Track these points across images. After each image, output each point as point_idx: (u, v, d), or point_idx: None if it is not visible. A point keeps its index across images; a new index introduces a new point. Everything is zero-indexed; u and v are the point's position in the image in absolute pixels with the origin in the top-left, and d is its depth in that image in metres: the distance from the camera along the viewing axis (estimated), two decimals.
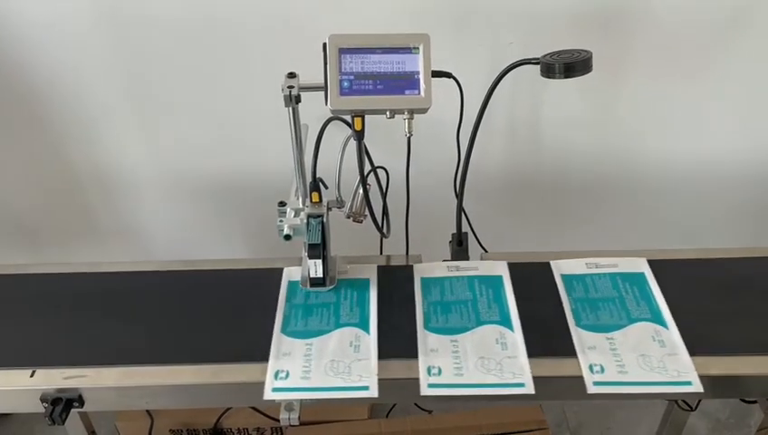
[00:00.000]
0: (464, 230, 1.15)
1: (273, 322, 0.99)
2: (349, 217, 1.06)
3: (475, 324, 0.98)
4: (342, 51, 0.89)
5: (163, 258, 1.60)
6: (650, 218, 1.55)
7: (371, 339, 0.96)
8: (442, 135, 1.11)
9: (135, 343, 0.97)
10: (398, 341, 0.96)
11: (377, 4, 1.20)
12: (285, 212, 1.04)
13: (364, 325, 0.98)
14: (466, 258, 1.13)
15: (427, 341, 0.95)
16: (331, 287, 1.04)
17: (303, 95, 0.90)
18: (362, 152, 0.95)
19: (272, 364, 0.92)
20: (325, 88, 0.90)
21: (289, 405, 0.89)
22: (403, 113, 0.91)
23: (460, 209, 1.11)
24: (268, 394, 0.89)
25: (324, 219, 1.00)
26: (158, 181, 1.45)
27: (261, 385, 0.90)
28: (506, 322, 0.98)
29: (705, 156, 1.45)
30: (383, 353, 0.94)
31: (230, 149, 1.40)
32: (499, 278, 1.06)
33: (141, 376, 0.92)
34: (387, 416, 1.65)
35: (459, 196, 1.09)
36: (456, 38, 1.25)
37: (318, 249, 0.97)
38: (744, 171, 1.46)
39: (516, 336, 0.96)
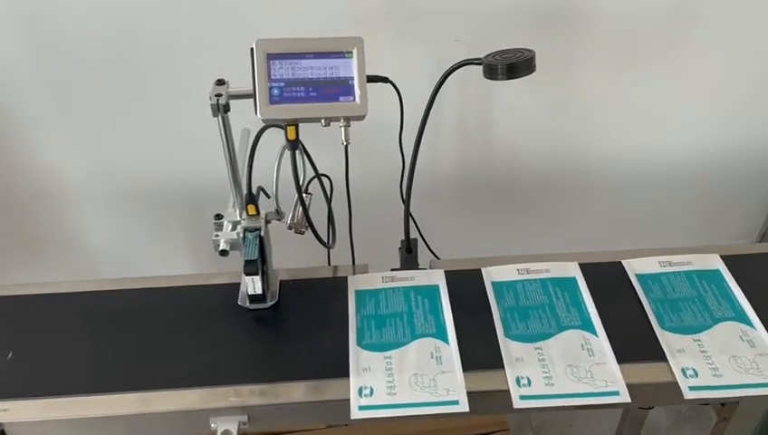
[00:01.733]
0: (413, 236, 1.12)
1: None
2: (291, 229, 1.02)
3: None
4: (271, 56, 0.85)
5: (109, 273, 1.54)
6: (607, 216, 1.54)
7: (452, 349, 0.93)
8: (390, 139, 1.07)
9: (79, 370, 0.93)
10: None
11: (317, 6, 1.15)
12: (222, 225, 0.99)
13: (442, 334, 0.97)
14: (416, 266, 1.10)
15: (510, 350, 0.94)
16: (272, 302, 1.00)
17: None
18: (296, 163, 0.90)
19: (354, 381, 0.90)
20: (254, 96, 0.85)
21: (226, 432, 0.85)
22: (339, 121, 0.87)
23: (407, 215, 1.08)
24: (355, 413, 0.86)
25: (262, 233, 0.96)
26: (97, 193, 1.39)
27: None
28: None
29: (659, 152, 1.44)
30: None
31: (172, 158, 1.35)
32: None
33: (73, 407, 0.88)
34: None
35: (406, 201, 1.06)
36: (400, 39, 1.21)
37: (255, 265, 0.94)
38: (697, 168, 1.45)
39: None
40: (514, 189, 1.46)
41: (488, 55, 0.94)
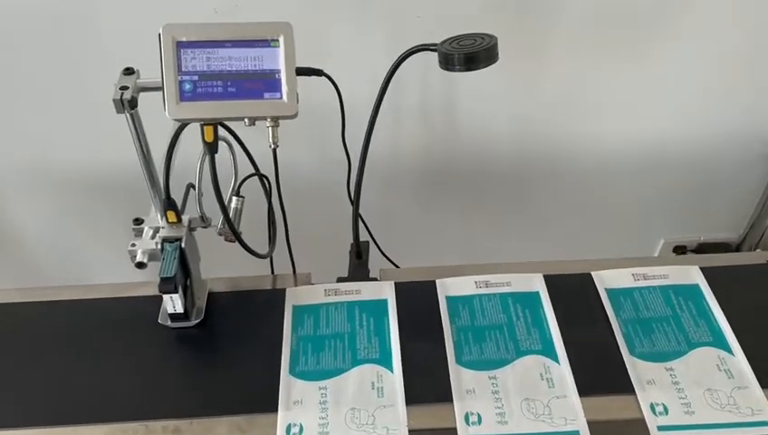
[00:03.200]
0: (364, 239, 1.01)
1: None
2: (221, 235, 0.90)
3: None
4: (181, 44, 0.73)
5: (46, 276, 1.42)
6: (584, 206, 1.43)
7: (396, 379, 0.83)
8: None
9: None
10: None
11: None
12: (142, 232, 0.87)
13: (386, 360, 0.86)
14: (365, 274, 0.99)
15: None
16: (197, 321, 0.89)
17: None
18: (216, 168, 0.78)
19: (282, 417, 0.80)
20: (163, 92, 0.72)
21: None
22: (265, 120, 0.75)
23: (356, 217, 0.96)
24: None
25: (183, 244, 0.84)
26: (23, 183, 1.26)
27: None
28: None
29: (640, 139, 1.32)
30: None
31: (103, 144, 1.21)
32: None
33: None
34: None
35: (354, 202, 0.94)
36: (356, 15, 1.07)
37: (172, 283, 0.82)
38: (679, 155, 1.34)
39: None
40: (482, 180, 1.34)
41: (445, 42, 0.81)
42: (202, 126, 0.76)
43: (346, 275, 1.00)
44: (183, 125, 0.79)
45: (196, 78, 0.73)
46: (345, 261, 1.02)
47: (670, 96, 1.24)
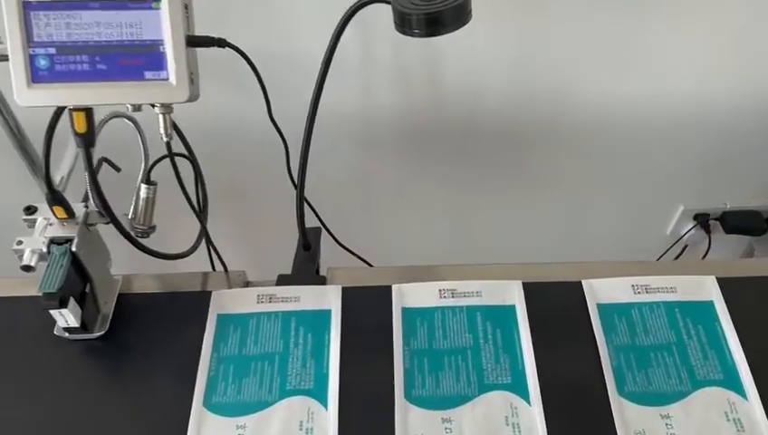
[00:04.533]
0: (314, 225, 0.85)
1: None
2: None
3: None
4: (30, 5, 0.54)
5: None
6: (584, 177, 1.23)
7: (330, 418, 0.69)
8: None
9: None
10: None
11: None
12: (35, 223, 0.72)
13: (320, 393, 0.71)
14: (312, 269, 0.83)
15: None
16: (101, 333, 0.74)
17: None
18: (93, 165, 0.61)
19: None
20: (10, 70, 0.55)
21: None
22: (153, 106, 0.57)
23: (301, 200, 0.79)
24: None
25: (75, 246, 0.68)
26: None
27: None
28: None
29: (655, 99, 1.10)
30: None
31: None
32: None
33: None
34: None
35: (299, 185, 0.77)
36: None
37: (54, 299, 0.66)
38: (699, 119, 1.13)
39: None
40: (471, 144, 1.15)
41: None
42: (70, 111, 0.58)
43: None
44: (58, 111, 0.62)
45: (52, 51, 0.55)
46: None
47: (697, 49, 1.02)
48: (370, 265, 0.96)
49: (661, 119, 1.13)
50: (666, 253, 1.36)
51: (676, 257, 1.37)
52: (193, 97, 0.57)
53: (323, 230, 0.89)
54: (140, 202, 0.75)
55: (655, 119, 1.13)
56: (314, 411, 0.69)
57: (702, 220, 1.33)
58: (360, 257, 0.97)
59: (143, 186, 0.74)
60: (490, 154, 1.18)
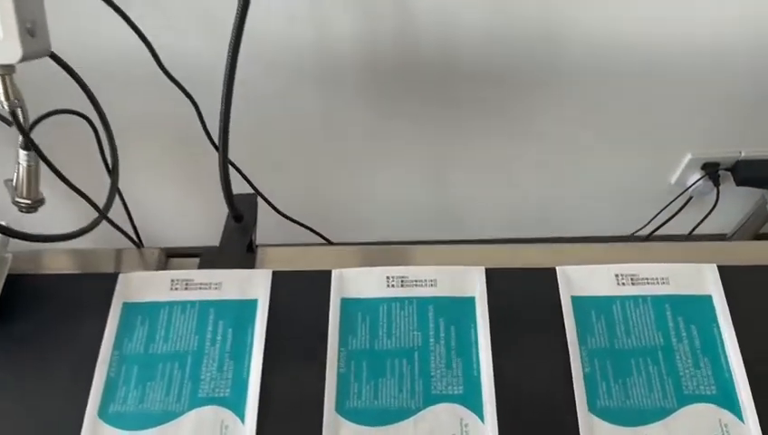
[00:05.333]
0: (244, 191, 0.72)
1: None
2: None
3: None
4: None
5: None
6: (583, 112, 1.08)
7: (247, 431, 0.59)
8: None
9: None
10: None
11: None
12: None
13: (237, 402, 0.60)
14: (243, 247, 0.71)
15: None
16: None
17: None
18: None
19: None
20: None
21: None
22: None
23: (225, 163, 0.66)
24: None
25: None
26: None
27: None
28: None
29: (669, 29, 0.94)
30: None
31: None
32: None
33: None
34: None
35: (221, 147, 0.64)
36: None
37: None
38: (722, 56, 0.96)
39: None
40: (442, 88, 0.99)
41: None
42: None
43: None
44: None
45: None
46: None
47: None
48: (328, 241, 0.84)
49: (669, 55, 0.97)
50: (668, 206, 1.23)
51: (679, 210, 1.23)
52: (33, 53, 0.43)
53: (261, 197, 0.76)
54: (21, 172, 0.62)
55: (661, 55, 0.97)
56: (229, 425, 0.59)
57: (711, 171, 1.19)
58: (311, 229, 0.84)
59: (21, 153, 0.61)
60: (470, 98, 1.03)
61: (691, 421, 0.58)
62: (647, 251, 0.69)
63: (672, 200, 1.22)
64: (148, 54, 0.64)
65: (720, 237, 1.39)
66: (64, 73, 0.61)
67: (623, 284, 0.65)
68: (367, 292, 0.65)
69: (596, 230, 1.32)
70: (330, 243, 0.83)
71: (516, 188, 1.20)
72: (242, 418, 0.59)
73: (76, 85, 0.62)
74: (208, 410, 0.60)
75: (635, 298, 0.64)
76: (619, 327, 0.63)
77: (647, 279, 0.65)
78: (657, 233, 1.26)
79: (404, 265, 0.66)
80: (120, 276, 0.66)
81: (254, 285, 0.66)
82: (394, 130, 1.06)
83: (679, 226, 1.26)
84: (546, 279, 0.65)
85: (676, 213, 1.24)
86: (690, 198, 1.24)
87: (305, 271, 0.67)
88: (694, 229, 1.24)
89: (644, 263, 0.66)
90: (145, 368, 0.62)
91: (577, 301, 0.64)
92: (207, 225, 0.76)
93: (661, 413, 0.59)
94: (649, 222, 1.25)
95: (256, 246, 0.71)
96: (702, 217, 1.21)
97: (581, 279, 0.65)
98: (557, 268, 0.66)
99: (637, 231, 1.28)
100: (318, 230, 0.89)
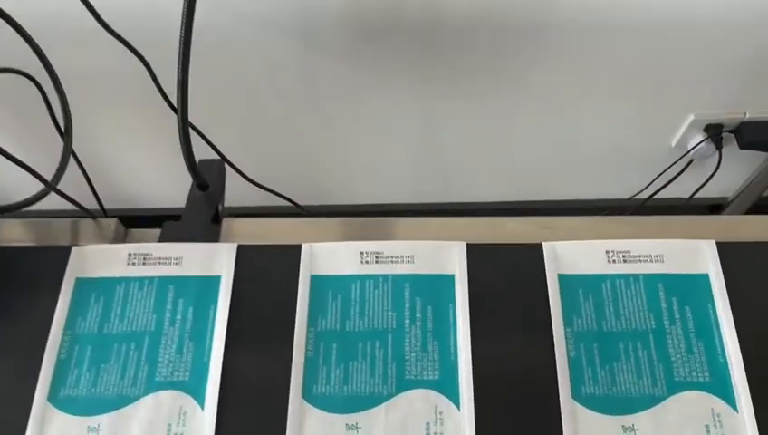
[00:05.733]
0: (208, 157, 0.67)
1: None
2: None
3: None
4: None
5: None
6: (580, 69, 1.02)
7: (206, 419, 0.54)
8: None
9: None
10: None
11: None
12: None
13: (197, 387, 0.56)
14: (211, 216, 0.66)
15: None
16: None
17: None
18: None
19: None
20: None
21: None
22: None
23: (185, 129, 0.60)
24: None
25: None
26: None
27: None
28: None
29: None
30: None
31: None
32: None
33: None
34: None
35: (179, 108, 0.58)
36: None
37: None
38: (725, 12, 0.90)
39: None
40: (431, 44, 0.93)
41: None
42: None
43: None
44: None
45: None
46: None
47: None
48: (300, 207, 0.79)
49: (672, 8, 0.90)
50: (667, 169, 1.18)
51: (679, 174, 1.18)
52: None
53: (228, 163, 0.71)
54: None
55: (663, 8, 0.90)
56: (187, 411, 0.55)
57: (714, 133, 1.13)
58: (283, 197, 0.79)
59: None
60: (459, 54, 0.96)
61: (681, 410, 0.54)
62: (640, 225, 0.64)
63: (672, 164, 1.17)
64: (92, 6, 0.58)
65: (720, 202, 1.35)
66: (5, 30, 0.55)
67: (614, 261, 0.61)
68: (339, 268, 0.61)
69: (591, 194, 1.27)
70: (301, 209, 0.78)
71: (507, 150, 1.15)
72: (201, 403, 0.55)
73: (18, 44, 0.56)
74: (166, 395, 0.56)
75: (626, 277, 0.60)
76: (607, 308, 0.59)
77: (639, 256, 0.61)
78: (656, 196, 1.21)
79: (379, 240, 0.62)
80: (74, 250, 0.62)
81: (217, 261, 0.61)
82: (378, 90, 0.99)
83: (678, 190, 1.21)
84: (531, 256, 0.61)
85: (676, 177, 1.19)
86: (691, 161, 1.19)
87: (273, 245, 0.62)
88: (694, 194, 1.19)
89: (637, 239, 0.61)
90: (99, 349, 0.58)
91: (564, 279, 0.60)
92: (175, 188, 0.71)
93: (650, 401, 0.55)
94: (648, 186, 1.20)
95: (222, 218, 0.66)
96: (703, 182, 1.16)
97: (569, 256, 0.61)
98: (543, 244, 0.61)
99: (635, 195, 1.23)
100: (294, 199, 0.84)
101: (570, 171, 1.23)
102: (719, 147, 1.13)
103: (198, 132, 0.66)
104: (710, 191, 1.23)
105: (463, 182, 1.24)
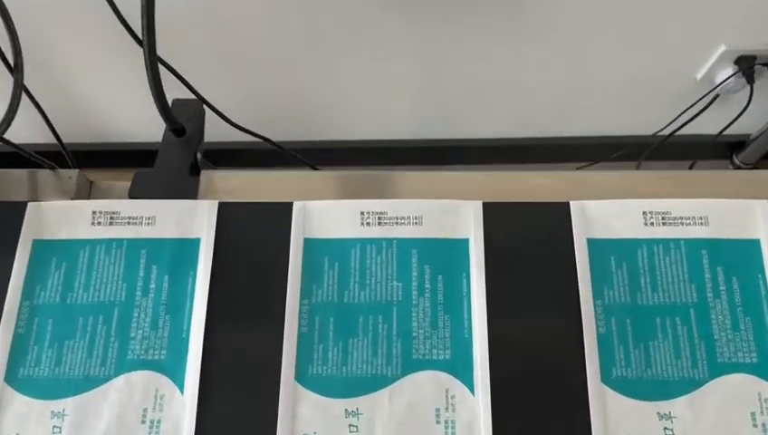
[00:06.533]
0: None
1: None
2: None
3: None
4: None
5: None
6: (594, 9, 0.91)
7: (187, 403, 0.48)
8: None
9: None
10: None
11: None
12: None
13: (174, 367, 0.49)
14: (186, 165, 0.58)
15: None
16: None
17: None
18: None
19: None
20: None
21: None
22: None
23: (153, 64, 0.51)
24: None
25: None
26: None
27: None
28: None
29: None
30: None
31: None
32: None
33: None
34: None
35: (145, 41, 0.49)
36: None
37: None
38: None
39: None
40: None
41: None
42: None
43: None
44: None
45: None
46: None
47: None
48: (278, 148, 0.69)
49: None
50: (692, 106, 1.08)
51: (704, 109, 1.09)
52: None
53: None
54: None
55: None
56: (165, 395, 0.49)
57: (746, 65, 1.03)
58: (271, 142, 0.69)
59: None
60: None
61: (723, 395, 0.48)
62: (684, 181, 0.56)
63: (698, 100, 1.07)
64: None
65: (743, 139, 1.26)
66: None
67: (652, 223, 0.53)
68: (336, 231, 0.53)
69: (610, 129, 1.18)
70: (280, 149, 0.69)
71: (522, 84, 1.05)
72: (180, 386, 0.49)
73: None
74: (140, 376, 0.49)
75: (665, 242, 0.52)
76: (643, 278, 0.51)
77: (681, 218, 0.53)
78: (678, 133, 1.12)
79: (383, 198, 0.53)
80: (29, 207, 0.53)
81: (196, 221, 0.53)
82: (381, 19, 0.89)
83: (698, 127, 1.12)
84: (557, 216, 0.53)
85: (700, 113, 1.10)
86: (716, 96, 1.09)
87: (260, 203, 0.54)
88: (723, 131, 1.10)
89: (679, 199, 0.53)
90: (62, 323, 0.50)
91: (594, 244, 0.52)
92: (152, 126, 0.62)
93: (689, 385, 0.48)
94: (671, 122, 1.11)
95: (202, 169, 0.58)
96: (732, 119, 1.07)
97: (601, 217, 0.53)
98: (571, 203, 0.53)
99: (658, 132, 1.14)
100: (284, 138, 0.75)
101: (586, 106, 1.14)
102: (751, 81, 1.03)
103: (169, 68, 0.56)
104: (732, 128, 1.14)
105: (468, 117, 1.15)
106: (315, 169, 0.72)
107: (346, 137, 1.14)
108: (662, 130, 1.12)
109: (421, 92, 1.06)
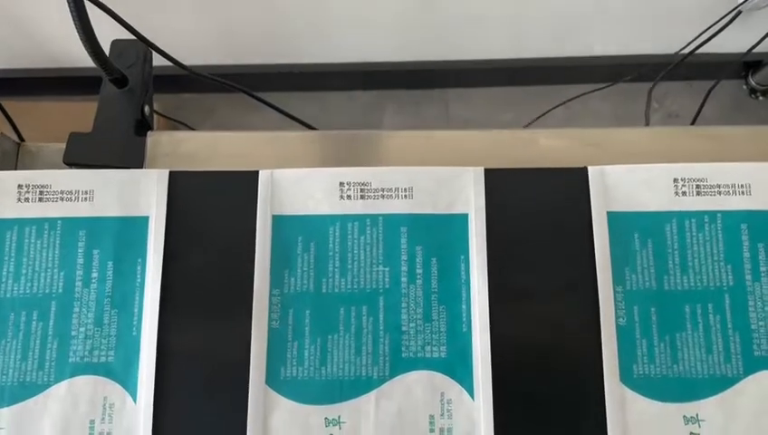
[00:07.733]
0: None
1: None
2: None
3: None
4: None
5: None
6: None
7: (140, 413, 0.41)
8: None
9: None
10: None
11: None
12: None
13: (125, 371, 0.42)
14: (131, 124, 0.49)
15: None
16: None
17: None
18: None
19: None
20: None
21: None
22: None
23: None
24: None
25: None
26: None
27: None
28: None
29: None
30: None
31: None
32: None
33: None
34: None
35: None
36: None
37: None
38: None
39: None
40: None
41: None
42: None
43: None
44: None
45: None
46: None
47: None
48: (251, 96, 0.59)
49: None
50: (712, 26, 0.97)
51: (726, 26, 0.98)
52: None
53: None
54: None
55: None
56: (114, 403, 0.42)
57: None
58: (238, 88, 0.59)
59: None
60: None
61: (760, 394, 0.42)
62: (723, 139, 0.47)
63: (720, 18, 0.97)
64: None
65: (760, 58, 1.16)
66: None
67: (684, 193, 0.45)
68: (310, 206, 0.44)
69: (624, 50, 1.07)
70: (256, 99, 0.58)
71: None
72: (133, 393, 0.42)
73: None
74: (84, 382, 0.42)
75: (699, 215, 0.44)
76: (672, 259, 0.44)
77: (719, 187, 0.45)
78: (698, 52, 1.01)
79: (365, 166, 0.45)
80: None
81: (143, 194, 0.44)
82: None
83: (716, 46, 1.02)
84: (572, 185, 0.45)
85: (722, 29, 0.99)
86: (739, 12, 0.98)
87: (220, 172, 0.45)
88: (751, 49, 0.99)
89: (718, 162, 0.45)
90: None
91: (615, 218, 0.44)
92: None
93: (720, 384, 0.42)
94: (691, 42, 1.00)
95: (151, 127, 0.48)
96: (759, 38, 0.96)
97: (623, 185, 0.45)
98: (589, 168, 0.45)
99: (677, 52, 1.03)
100: (258, 62, 0.65)
101: (596, 22, 1.03)
102: None
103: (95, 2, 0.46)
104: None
105: (460, 36, 1.04)
106: (291, 117, 0.62)
107: (323, 59, 1.03)
108: (681, 49, 1.02)
109: (407, 10, 0.95)
